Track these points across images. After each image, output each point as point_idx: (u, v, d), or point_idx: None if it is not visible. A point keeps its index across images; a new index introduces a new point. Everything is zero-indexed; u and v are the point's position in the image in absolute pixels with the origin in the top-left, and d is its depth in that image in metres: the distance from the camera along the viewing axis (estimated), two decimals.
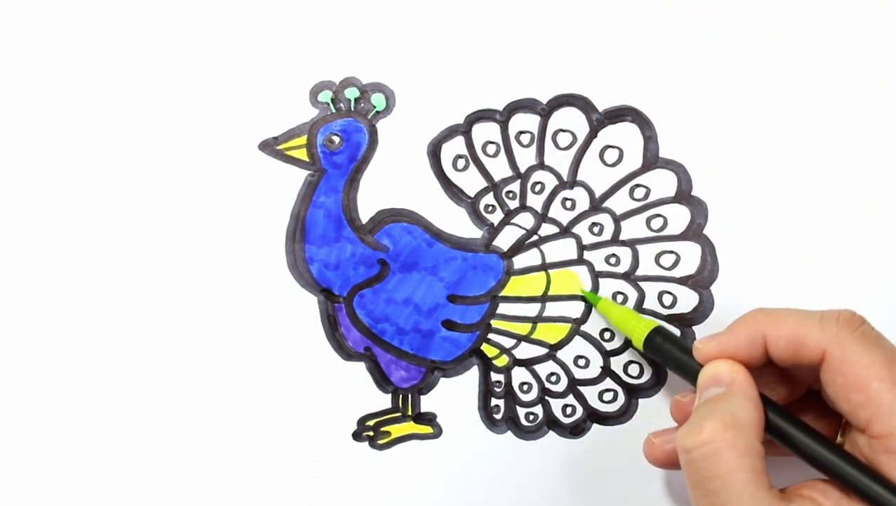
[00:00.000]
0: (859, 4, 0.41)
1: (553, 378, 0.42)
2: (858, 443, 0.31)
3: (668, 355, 0.37)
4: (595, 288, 0.42)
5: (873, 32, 0.41)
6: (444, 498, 0.42)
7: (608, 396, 0.42)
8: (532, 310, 0.42)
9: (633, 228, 0.41)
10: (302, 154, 0.41)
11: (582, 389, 0.42)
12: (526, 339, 0.42)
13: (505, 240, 0.42)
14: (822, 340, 0.31)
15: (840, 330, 0.31)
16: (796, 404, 0.36)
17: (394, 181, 0.42)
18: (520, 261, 0.42)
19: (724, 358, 0.34)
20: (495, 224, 0.42)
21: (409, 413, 0.42)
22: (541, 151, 0.42)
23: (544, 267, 0.42)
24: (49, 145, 0.42)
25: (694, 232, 0.41)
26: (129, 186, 0.42)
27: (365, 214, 0.42)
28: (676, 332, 0.41)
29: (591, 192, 0.41)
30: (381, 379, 0.42)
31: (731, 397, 0.32)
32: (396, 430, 0.42)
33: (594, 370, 0.42)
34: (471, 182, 0.42)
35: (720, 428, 0.31)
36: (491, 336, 0.42)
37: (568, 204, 0.42)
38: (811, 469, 0.33)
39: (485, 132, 0.42)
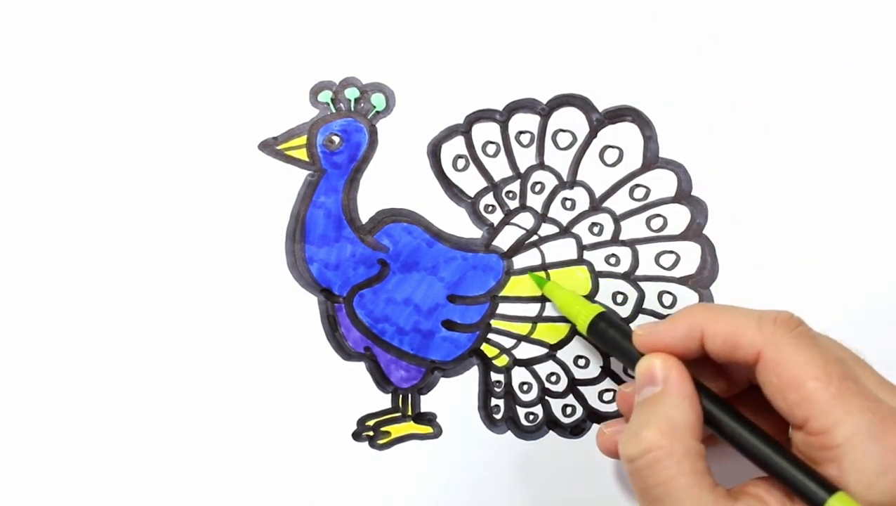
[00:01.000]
0: (859, 5, 0.41)
1: (553, 378, 0.42)
2: (797, 442, 0.31)
3: (611, 342, 0.37)
4: (595, 288, 0.42)
5: (873, 32, 0.41)
6: (444, 498, 0.42)
7: (608, 396, 0.42)
8: (532, 310, 0.42)
9: (633, 228, 0.41)
10: (302, 154, 0.41)
11: (582, 389, 0.42)
12: (526, 339, 0.42)
13: (505, 240, 0.42)
14: (758, 340, 0.31)
15: (776, 330, 0.31)
16: (745, 399, 0.36)
17: (394, 181, 0.42)
18: (520, 261, 0.42)
19: (660, 350, 0.34)
20: (495, 224, 0.42)
21: (409, 413, 0.42)
22: (541, 151, 0.42)
23: (544, 267, 0.42)
24: (50, 146, 0.42)
25: (694, 232, 0.41)
26: (130, 186, 0.42)
27: (365, 214, 0.42)
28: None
29: (591, 192, 0.42)
30: (381, 379, 0.42)
31: (665, 399, 0.32)
32: (396, 430, 0.42)
33: (594, 370, 0.42)
34: (471, 182, 0.42)
35: (657, 436, 0.31)
36: (491, 336, 0.42)
37: (568, 204, 0.42)
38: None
39: (485, 132, 0.42)
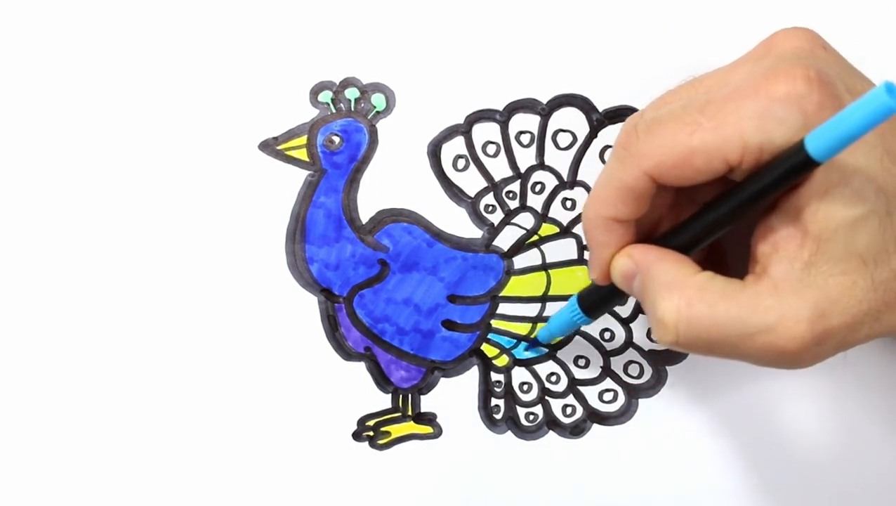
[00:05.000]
0: (860, 8, 0.41)
1: (553, 378, 0.42)
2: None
3: (601, 299, 0.37)
4: None
5: (874, 36, 0.41)
6: (444, 498, 0.42)
7: (608, 396, 0.42)
8: (532, 310, 0.42)
9: None
10: (302, 154, 0.41)
11: (582, 389, 0.42)
12: (526, 339, 0.42)
13: (505, 240, 0.42)
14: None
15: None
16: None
17: (394, 181, 0.42)
18: (520, 261, 0.42)
19: (609, 267, 0.34)
20: (495, 224, 0.42)
21: (409, 413, 0.42)
22: (541, 151, 0.42)
23: (544, 267, 0.42)
24: (48, 145, 0.42)
25: None
26: (129, 186, 0.42)
27: (365, 214, 0.42)
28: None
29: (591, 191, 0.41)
30: (381, 379, 0.42)
31: (648, 277, 0.31)
32: (396, 430, 0.42)
33: (594, 370, 0.42)
34: (471, 182, 0.42)
35: (674, 308, 0.30)
36: (491, 336, 0.42)
37: (568, 204, 0.42)
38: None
39: (485, 132, 0.42)
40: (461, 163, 0.42)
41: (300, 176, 0.42)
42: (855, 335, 0.29)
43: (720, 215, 0.31)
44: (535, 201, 0.42)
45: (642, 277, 0.32)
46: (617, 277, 0.33)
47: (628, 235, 0.33)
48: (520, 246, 0.42)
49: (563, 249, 0.42)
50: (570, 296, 0.42)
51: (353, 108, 0.42)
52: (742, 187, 0.30)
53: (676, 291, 0.30)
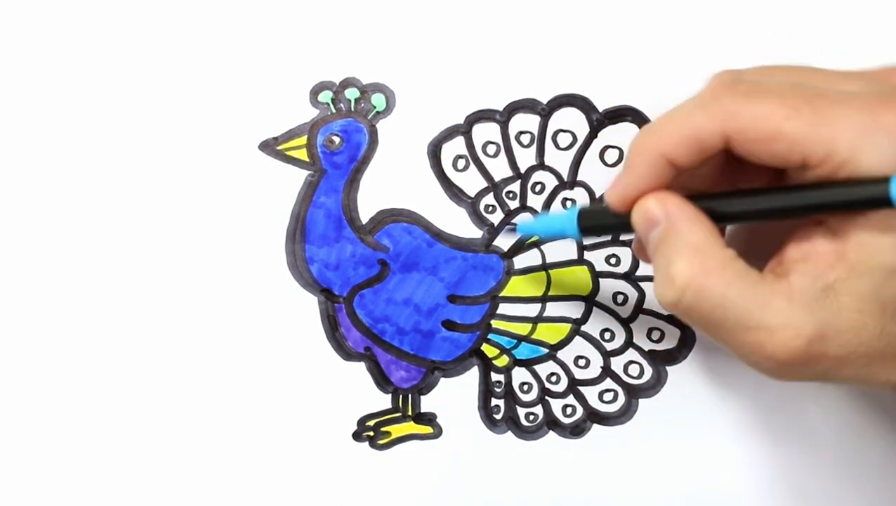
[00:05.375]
0: (860, 8, 0.41)
1: (553, 378, 0.42)
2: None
3: (604, 232, 0.35)
4: (596, 288, 0.42)
5: (874, 36, 0.41)
6: (444, 498, 0.42)
7: (608, 396, 0.42)
8: (532, 310, 0.42)
9: None
10: (302, 154, 0.41)
11: (582, 389, 0.42)
12: (526, 339, 0.42)
13: (505, 240, 0.42)
14: (713, 126, 0.29)
15: (722, 104, 0.30)
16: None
17: (394, 181, 0.42)
18: (520, 261, 0.42)
19: (634, 200, 0.32)
20: (495, 224, 0.42)
21: (409, 413, 0.42)
22: (541, 151, 0.42)
23: (544, 267, 0.42)
24: (49, 145, 0.42)
25: None
26: (129, 186, 0.42)
27: (365, 214, 0.42)
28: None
29: (591, 192, 0.42)
30: (381, 379, 0.42)
31: (675, 231, 0.30)
32: (396, 430, 0.42)
33: (594, 370, 0.42)
34: (471, 182, 0.42)
35: (686, 266, 0.29)
36: (491, 336, 0.42)
37: (568, 204, 0.42)
38: None
39: (485, 132, 0.42)
40: (461, 163, 0.42)
41: (300, 176, 0.42)
42: (839, 372, 0.29)
43: (774, 206, 0.30)
44: (535, 201, 0.42)
45: (667, 228, 0.30)
46: (638, 217, 0.31)
47: (666, 181, 0.31)
48: (520, 246, 0.42)
49: (563, 249, 0.42)
50: (571, 296, 0.42)
51: (353, 109, 0.42)
52: (811, 192, 0.29)
53: (699, 255, 0.29)
